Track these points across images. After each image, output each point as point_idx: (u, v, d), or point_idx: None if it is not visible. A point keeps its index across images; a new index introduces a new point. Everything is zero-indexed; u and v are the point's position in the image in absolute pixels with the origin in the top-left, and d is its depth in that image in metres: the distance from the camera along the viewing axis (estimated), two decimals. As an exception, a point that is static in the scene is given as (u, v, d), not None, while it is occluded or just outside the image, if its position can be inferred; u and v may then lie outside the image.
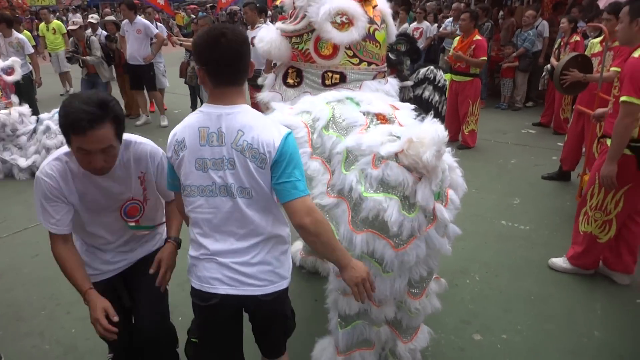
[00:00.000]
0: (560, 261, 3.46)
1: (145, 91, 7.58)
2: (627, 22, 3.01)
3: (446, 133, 1.82)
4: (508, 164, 5.76)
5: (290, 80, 2.64)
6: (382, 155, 1.90)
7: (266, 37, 2.56)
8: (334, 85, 2.54)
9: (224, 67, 1.55)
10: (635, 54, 2.87)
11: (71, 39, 7.69)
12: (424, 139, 1.79)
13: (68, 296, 3.17)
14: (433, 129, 1.81)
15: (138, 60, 7.08)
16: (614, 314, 3.00)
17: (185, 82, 7.43)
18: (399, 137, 1.93)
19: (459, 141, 6.38)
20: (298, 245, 3.49)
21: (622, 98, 2.80)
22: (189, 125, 1.65)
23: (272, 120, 1.72)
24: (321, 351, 2.38)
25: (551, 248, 3.70)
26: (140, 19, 7.15)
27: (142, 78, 7.21)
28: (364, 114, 2.17)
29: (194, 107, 7.97)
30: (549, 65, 6.89)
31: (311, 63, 2.57)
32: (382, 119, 2.17)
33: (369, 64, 2.58)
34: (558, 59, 6.59)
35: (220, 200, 1.63)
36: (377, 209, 1.85)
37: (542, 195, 4.79)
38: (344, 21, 2.42)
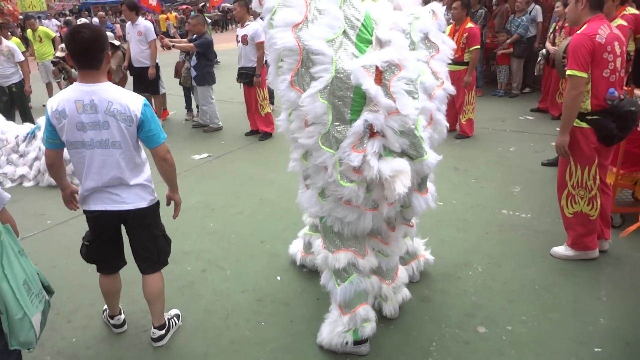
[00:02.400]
0: (562, 249, 3.43)
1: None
2: (573, 2, 3.13)
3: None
4: (507, 152, 5.71)
5: None
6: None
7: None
8: None
9: (80, 56, 2.25)
10: (579, 31, 3.05)
11: (61, 45, 7.62)
12: (397, 176, 2.10)
13: (68, 305, 3.14)
14: (406, 168, 2.13)
15: (142, 62, 6.95)
16: (619, 300, 2.97)
17: (180, 83, 7.36)
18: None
19: (457, 131, 6.34)
20: (298, 245, 3.45)
21: (567, 72, 3.01)
22: (67, 99, 2.28)
23: (128, 92, 2.42)
24: (326, 328, 2.59)
25: (554, 235, 3.67)
26: (143, 20, 7.03)
27: (144, 81, 7.05)
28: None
29: (188, 107, 7.92)
30: (544, 50, 6.84)
31: None
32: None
33: None
34: (553, 44, 6.54)
35: (99, 151, 2.35)
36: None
37: (543, 182, 4.75)
38: None
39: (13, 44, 7.10)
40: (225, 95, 9.21)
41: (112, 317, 2.89)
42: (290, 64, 2.12)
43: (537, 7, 7.91)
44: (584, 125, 3.12)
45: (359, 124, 2.10)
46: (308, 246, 3.28)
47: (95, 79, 2.30)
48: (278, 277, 3.39)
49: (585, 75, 2.97)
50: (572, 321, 2.79)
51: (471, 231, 3.84)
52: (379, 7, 2.36)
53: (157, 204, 2.65)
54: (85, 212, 2.58)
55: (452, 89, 2.51)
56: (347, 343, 2.50)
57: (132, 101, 2.33)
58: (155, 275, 2.72)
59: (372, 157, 2.10)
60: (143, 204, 2.53)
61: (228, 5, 20.45)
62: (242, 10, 6.39)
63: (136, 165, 2.49)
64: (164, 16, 18.35)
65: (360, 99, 2.13)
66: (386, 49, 2.14)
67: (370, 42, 2.18)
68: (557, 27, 6.60)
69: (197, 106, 7.50)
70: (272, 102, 8.15)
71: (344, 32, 2.15)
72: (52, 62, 7.48)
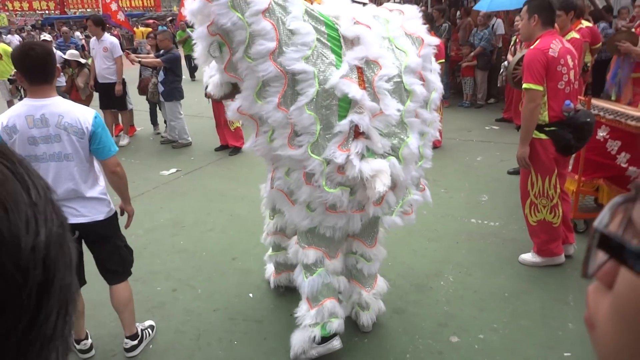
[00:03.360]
0: (529, 256, 3.51)
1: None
2: (526, 19, 3.26)
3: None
4: (474, 162, 5.84)
5: None
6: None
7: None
8: None
9: (36, 71, 2.29)
10: (532, 46, 3.18)
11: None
12: (378, 175, 2.20)
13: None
14: (385, 168, 2.23)
15: (107, 78, 6.80)
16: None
17: (147, 99, 7.25)
18: None
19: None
20: (270, 269, 3.41)
21: (523, 86, 3.14)
22: (17, 114, 2.33)
23: (79, 105, 2.49)
24: (296, 335, 2.59)
25: (521, 243, 3.75)
26: (108, 36, 6.91)
27: (111, 97, 6.91)
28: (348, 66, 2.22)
29: (154, 122, 7.81)
30: (506, 62, 7.05)
31: None
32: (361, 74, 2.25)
33: None
34: (514, 55, 6.76)
35: (52, 164, 2.39)
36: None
37: (509, 190, 4.85)
38: None
39: None
40: (195, 110, 9.12)
41: (78, 342, 2.78)
42: (277, 87, 2.19)
43: (499, 20, 8.18)
44: (543, 136, 3.22)
45: (344, 123, 2.20)
46: (278, 266, 3.24)
47: (47, 93, 2.37)
48: (250, 295, 3.34)
49: (540, 88, 3.08)
50: (541, 327, 2.85)
51: (442, 241, 3.89)
52: (328, 6, 2.42)
53: (115, 215, 2.68)
54: None
55: (435, 40, 2.64)
56: (314, 338, 2.50)
57: (83, 114, 2.41)
58: (122, 284, 2.75)
59: (354, 157, 2.20)
60: (100, 216, 2.56)
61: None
62: (165, 41, 6.47)
63: (90, 177, 2.53)
64: (141, 30, 18.11)
65: (346, 104, 2.23)
66: (358, 47, 2.23)
67: (338, 40, 2.26)
68: (517, 40, 6.82)
69: (165, 121, 7.40)
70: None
71: (317, 41, 2.20)
72: (9, 79, 7.26)
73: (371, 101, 2.20)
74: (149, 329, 2.91)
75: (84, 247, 2.64)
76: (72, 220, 2.46)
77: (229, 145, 6.66)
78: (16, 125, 2.31)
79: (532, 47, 3.20)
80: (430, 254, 3.71)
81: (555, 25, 3.44)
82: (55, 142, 2.35)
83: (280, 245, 3.12)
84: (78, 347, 2.79)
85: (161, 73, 6.52)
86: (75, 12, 24.38)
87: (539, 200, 3.35)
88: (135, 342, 2.77)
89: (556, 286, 3.25)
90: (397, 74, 2.28)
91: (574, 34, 4.42)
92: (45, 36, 7.87)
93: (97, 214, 2.56)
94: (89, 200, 2.52)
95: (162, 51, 6.56)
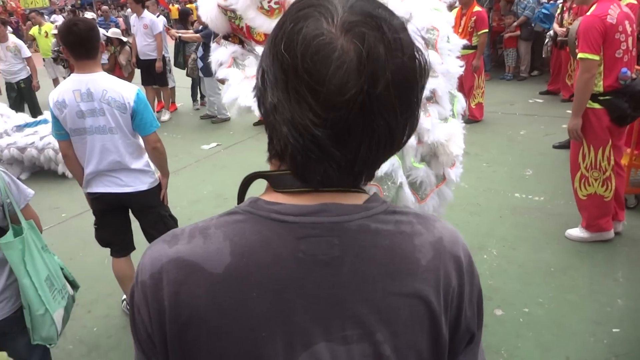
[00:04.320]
0: (577, 231, 3.42)
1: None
2: None
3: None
4: (517, 135, 5.68)
5: (233, 40, 2.40)
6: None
7: (204, 5, 2.33)
8: None
9: (79, 46, 2.37)
10: (589, 12, 3.01)
11: (53, 40, 7.61)
12: (452, 139, 2.14)
13: (87, 296, 3.18)
14: (458, 130, 2.17)
15: (148, 55, 6.94)
16: (637, 281, 2.96)
17: (187, 74, 7.36)
18: None
19: (467, 115, 6.29)
20: None
21: (578, 55, 2.99)
22: (66, 90, 2.42)
23: (122, 81, 2.59)
24: None
25: (568, 218, 3.66)
26: (149, 13, 7.01)
27: (152, 74, 7.05)
28: None
29: (194, 98, 7.92)
30: (551, 32, 6.77)
31: (250, 40, 2.31)
32: None
33: None
34: (561, 25, 6.46)
35: (99, 137, 2.49)
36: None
37: (555, 165, 4.72)
38: (272, 6, 2.07)
39: (20, 40, 7.11)
40: (232, 85, 9.20)
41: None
42: None
43: (545, -13, 7.81)
44: (597, 106, 3.09)
45: (425, 90, 2.12)
46: None
47: (91, 68, 2.45)
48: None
49: (597, 57, 2.94)
50: (589, 302, 2.80)
51: (484, 215, 3.84)
52: None
53: (159, 186, 2.78)
54: (88, 194, 2.70)
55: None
56: None
57: (125, 90, 2.48)
58: None
59: (435, 122, 2.14)
60: (143, 187, 2.67)
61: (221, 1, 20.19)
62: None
63: (134, 150, 2.62)
64: (176, 7, 18.25)
65: None
66: (414, 19, 2.15)
67: None
68: (564, 8, 6.51)
69: (203, 97, 7.50)
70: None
71: None
72: (53, 58, 7.51)
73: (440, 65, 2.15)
74: None
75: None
76: (117, 189, 2.61)
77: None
78: (65, 100, 2.41)
79: (588, 13, 3.04)
80: (473, 228, 3.68)
81: None
82: (100, 115, 2.44)
83: None
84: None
85: (200, 49, 6.58)
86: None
87: (591, 173, 3.25)
88: None
89: (605, 262, 3.17)
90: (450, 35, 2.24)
91: (631, -1, 4.17)
92: (88, 15, 8.04)
93: (141, 184, 2.66)
94: (133, 172, 2.62)
95: (201, 27, 6.60)
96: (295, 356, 0.60)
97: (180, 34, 6.88)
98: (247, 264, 0.60)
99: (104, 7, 13.27)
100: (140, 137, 2.65)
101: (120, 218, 2.80)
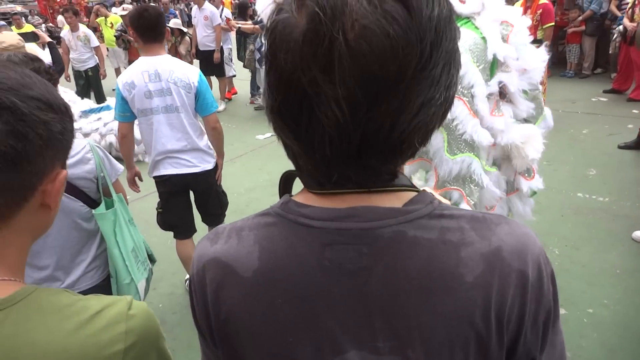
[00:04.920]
0: None
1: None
2: None
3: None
4: (579, 134, 5.47)
5: None
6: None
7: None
8: None
9: (149, 30, 2.55)
10: None
11: (119, 22, 7.92)
12: (528, 141, 2.02)
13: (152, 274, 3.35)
14: (536, 133, 2.04)
15: (207, 46, 7.15)
16: None
17: (244, 66, 7.51)
18: None
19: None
20: None
21: None
22: (134, 72, 2.56)
23: (185, 63, 2.74)
24: None
25: (635, 220, 3.51)
26: (209, 5, 7.21)
27: (211, 64, 7.24)
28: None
29: (253, 90, 8.06)
30: (621, 27, 6.45)
31: None
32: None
33: None
34: (632, 19, 6.15)
35: (165, 116, 2.61)
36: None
37: (621, 166, 4.52)
38: None
39: (89, 30, 7.48)
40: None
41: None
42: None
43: (613, -20, 7.43)
44: None
45: (493, 83, 1.98)
46: None
47: (157, 51, 2.62)
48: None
49: None
50: (659, 307, 2.69)
51: (545, 214, 3.74)
52: None
53: (217, 165, 2.92)
54: (155, 177, 2.81)
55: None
56: None
57: (190, 71, 2.65)
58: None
59: (505, 123, 2.01)
60: (209, 166, 2.80)
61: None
62: None
63: (197, 129, 2.74)
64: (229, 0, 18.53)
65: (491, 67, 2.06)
66: (485, 12, 2.05)
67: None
68: (636, 2, 6.18)
69: (258, 88, 7.64)
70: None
71: None
72: (115, 36, 7.86)
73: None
74: None
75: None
76: (186, 170, 2.73)
77: None
78: (134, 82, 2.55)
79: None
80: (534, 226, 3.56)
81: None
82: (167, 95, 2.57)
83: None
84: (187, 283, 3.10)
85: (258, 40, 6.71)
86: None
87: None
88: None
89: (676, 267, 3.03)
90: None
91: None
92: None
93: (207, 164, 2.79)
94: (199, 152, 2.74)
95: (260, 18, 6.73)
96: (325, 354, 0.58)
97: (239, 25, 7.03)
98: (272, 270, 0.59)
99: (164, 0, 13.71)
100: (199, 119, 2.78)
101: (184, 200, 2.90)
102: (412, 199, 0.59)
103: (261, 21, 6.70)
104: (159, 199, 2.89)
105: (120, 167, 1.93)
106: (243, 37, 7.48)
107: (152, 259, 2.18)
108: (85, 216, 1.72)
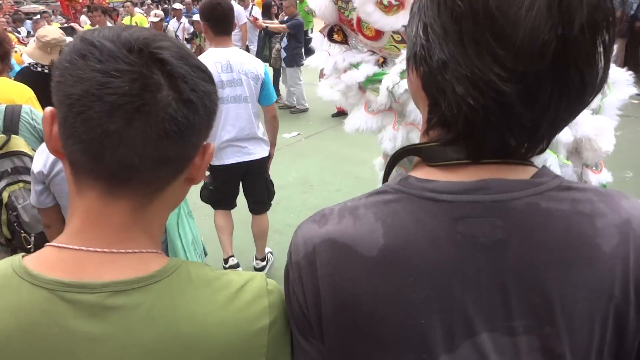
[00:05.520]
0: None
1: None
2: None
3: None
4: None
5: (336, 37, 2.35)
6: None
7: None
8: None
9: (221, 23, 2.67)
10: None
11: (145, 23, 8.02)
12: (602, 134, 1.94)
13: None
14: (608, 124, 1.97)
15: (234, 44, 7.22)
16: None
17: (270, 65, 7.53)
18: None
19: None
20: None
21: None
22: (207, 62, 2.54)
23: (252, 55, 3.01)
24: None
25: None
26: (235, 5, 7.25)
27: None
28: None
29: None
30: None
31: (356, 35, 2.27)
32: None
33: None
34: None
35: (233, 106, 2.73)
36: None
37: (658, 168, 4.46)
38: (392, 2, 1.96)
39: None
40: (309, 77, 9.34)
41: (226, 262, 3.16)
42: None
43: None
44: None
45: None
46: None
47: (227, 43, 2.77)
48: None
49: None
50: None
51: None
52: None
53: (270, 153, 3.07)
54: (216, 166, 2.91)
55: None
56: None
57: (257, 62, 2.83)
58: (265, 215, 3.21)
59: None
60: (265, 153, 2.97)
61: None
62: (291, 7, 6.48)
63: (257, 118, 2.88)
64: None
65: None
66: None
67: None
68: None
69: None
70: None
71: None
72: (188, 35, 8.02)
73: None
74: (269, 254, 3.40)
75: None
76: (247, 158, 2.88)
77: (345, 111, 6.75)
78: None
79: None
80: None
81: None
82: (238, 85, 2.71)
83: None
84: (226, 266, 3.15)
85: (285, 39, 6.73)
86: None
87: None
88: (264, 263, 3.30)
89: None
90: None
91: None
92: (176, 5, 8.43)
93: (263, 152, 2.95)
94: (257, 140, 2.90)
95: (286, 17, 6.76)
96: (455, 345, 0.56)
97: (267, 24, 7.06)
98: (402, 247, 0.56)
99: (187, 0, 13.83)
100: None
101: (237, 184, 3.07)
102: (537, 172, 0.58)
103: (287, 20, 6.74)
104: (210, 176, 3.01)
105: None
106: (268, 37, 7.50)
107: (205, 251, 2.20)
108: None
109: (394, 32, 2.15)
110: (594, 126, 1.93)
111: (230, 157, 2.86)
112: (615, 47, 2.21)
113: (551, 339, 0.55)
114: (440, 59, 0.52)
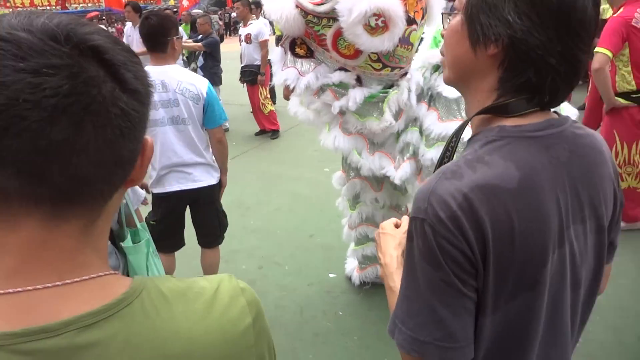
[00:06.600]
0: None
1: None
2: None
3: None
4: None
5: (299, 51, 2.34)
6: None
7: (278, 2, 2.19)
8: None
9: (150, 38, 2.44)
10: (616, 14, 3.18)
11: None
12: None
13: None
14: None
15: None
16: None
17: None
18: None
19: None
20: (351, 265, 3.19)
21: (596, 48, 3.11)
22: None
23: (194, 74, 2.63)
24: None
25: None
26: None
27: None
28: None
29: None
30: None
31: (325, 50, 2.25)
32: None
33: (393, 69, 2.28)
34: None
35: (171, 128, 2.49)
36: None
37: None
38: (378, 24, 2.02)
39: None
40: (226, 96, 9.10)
41: None
42: None
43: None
44: (630, 103, 3.25)
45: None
46: (365, 260, 3.02)
47: (165, 60, 2.49)
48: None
49: (609, 53, 3.07)
50: (644, 286, 2.89)
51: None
52: None
53: (220, 181, 2.81)
54: (159, 194, 2.64)
55: None
56: None
57: (199, 81, 2.55)
58: (216, 249, 2.93)
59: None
60: (213, 180, 2.69)
61: (199, 11, 20.06)
62: (244, 10, 6.32)
63: (204, 142, 2.62)
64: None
65: None
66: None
67: None
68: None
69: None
70: (273, 101, 8.06)
71: None
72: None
73: None
74: None
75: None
76: (192, 185, 2.61)
77: (267, 129, 6.65)
78: None
79: (615, 14, 3.20)
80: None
81: None
82: (174, 106, 2.46)
83: (368, 236, 2.91)
84: None
85: (200, 58, 6.47)
86: (76, 7, 23.95)
87: (624, 169, 3.38)
88: None
89: (644, 248, 3.30)
90: None
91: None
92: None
93: (211, 179, 2.68)
94: (205, 166, 2.63)
95: (200, 36, 6.52)
96: (561, 242, 0.77)
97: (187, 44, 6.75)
98: (530, 175, 0.74)
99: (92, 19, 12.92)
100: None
101: (182, 217, 2.77)
102: (560, 116, 0.81)
103: (202, 39, 6.50)
104: (151, 210, 2.73)
105: (143, 192, 1.73)
106: (192, 55, 7.17)
107: None
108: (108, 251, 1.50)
109: (371, 52, 2.15)
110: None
111: (174, 184, 2.60)
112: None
113: (601, 219, 0.83)
114: (539, 40, 0.70)
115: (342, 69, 2.31)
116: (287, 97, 2.73)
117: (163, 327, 0.54)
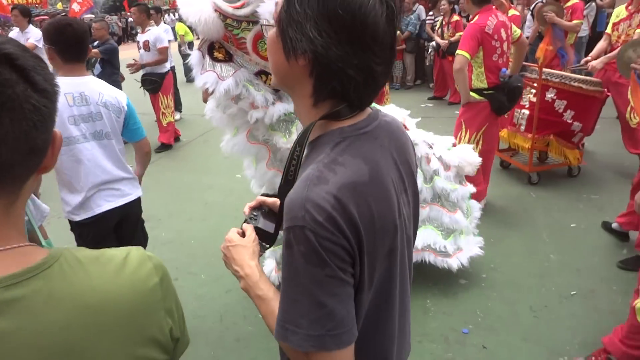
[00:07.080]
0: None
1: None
2: None
3: None
4: (422, 135, 6.26)
5: (218, 55, 2.34)
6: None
7: (195, 5, 2.18)
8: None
9: (71, 47, 2.20)
10: (472, 21, 3.61)
11: None
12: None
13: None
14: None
15: None
16: (561, 237, 3.50)
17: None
18: None
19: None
20: (270, 265, 3.14)
21: (457, 51, 3.55)
22: None
23: (111, 86, 2.41)
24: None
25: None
26: (33, 28, 6.38)
27: None
28: None
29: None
30: (434, 43, 7.60)
31: (245, 53, 2.28)
32: None
33: None
34: (442, 37, 7.30)
35: (95, 144, 2.29)
36: None
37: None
38: None
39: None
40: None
41: None
42: None
43: (421, 6, 8.73)
44: (482, 99, 3.67)
45: None
46: (282, 259, 2.94)
47: (81, 71, 2.30)
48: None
49: (468, 55, 3.46)
50: (529, 261, 3.23)
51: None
52: None
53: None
54: (83, 222, 2.37)
55: None
56: None
57: (118, 94, 2.39)
58: None
59: None
60: (139, 192, 2.59)
61: (90, 16, 18.92)
62: (141, 16, 6.09)
63: (124, 156, 2.48)
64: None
65: None
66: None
67: None
68: (444, 23, 7.37)
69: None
70: (179, 109, 7.79)
71: None
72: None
73: None
74: None
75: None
76: (123, 201, 2.45)
77: (158, 140, 6.34)
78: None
79: (472, 21, 3.59)
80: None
81: None
82: (97, 120, 2.28)
83: None
84: None
85: (97, 65, 6.09)
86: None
87: None
88: None
89: (531, 228, 3.69)
90: None
91: (514, 12, 4.92)
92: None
93: (137, 191, 2.57)
94: (129, 180, 2.50)
95: (96, 42, 6.14)
96: (400, 205, 0.91)
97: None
98: (374, 165, 0.86)
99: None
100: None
101: (113, 240, 2.56)
102: (372, 110, 0.95)
103: (99, 45, 6.14)
104: (77, 244, 2.47)
105: (47, 208, 1.61)
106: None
107: None
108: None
109: None
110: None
111: (102, 204, 2.37)
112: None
113: (415, 185, 1.01)
114: (337, 54, 0.78)
115: (261, 71, 2.34)
116: (205, 100, 2.68)
117: (81, 284, 0.64)
